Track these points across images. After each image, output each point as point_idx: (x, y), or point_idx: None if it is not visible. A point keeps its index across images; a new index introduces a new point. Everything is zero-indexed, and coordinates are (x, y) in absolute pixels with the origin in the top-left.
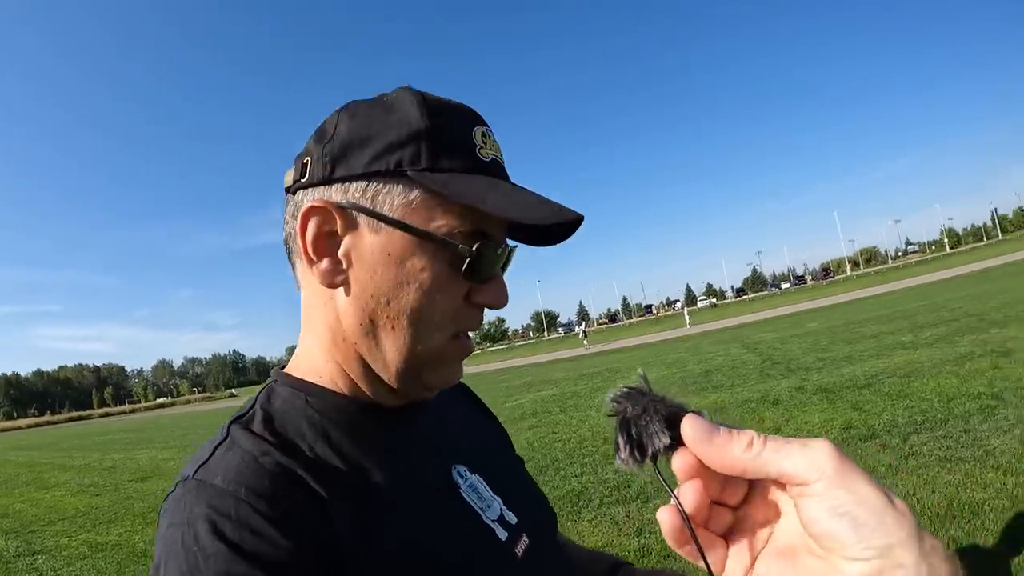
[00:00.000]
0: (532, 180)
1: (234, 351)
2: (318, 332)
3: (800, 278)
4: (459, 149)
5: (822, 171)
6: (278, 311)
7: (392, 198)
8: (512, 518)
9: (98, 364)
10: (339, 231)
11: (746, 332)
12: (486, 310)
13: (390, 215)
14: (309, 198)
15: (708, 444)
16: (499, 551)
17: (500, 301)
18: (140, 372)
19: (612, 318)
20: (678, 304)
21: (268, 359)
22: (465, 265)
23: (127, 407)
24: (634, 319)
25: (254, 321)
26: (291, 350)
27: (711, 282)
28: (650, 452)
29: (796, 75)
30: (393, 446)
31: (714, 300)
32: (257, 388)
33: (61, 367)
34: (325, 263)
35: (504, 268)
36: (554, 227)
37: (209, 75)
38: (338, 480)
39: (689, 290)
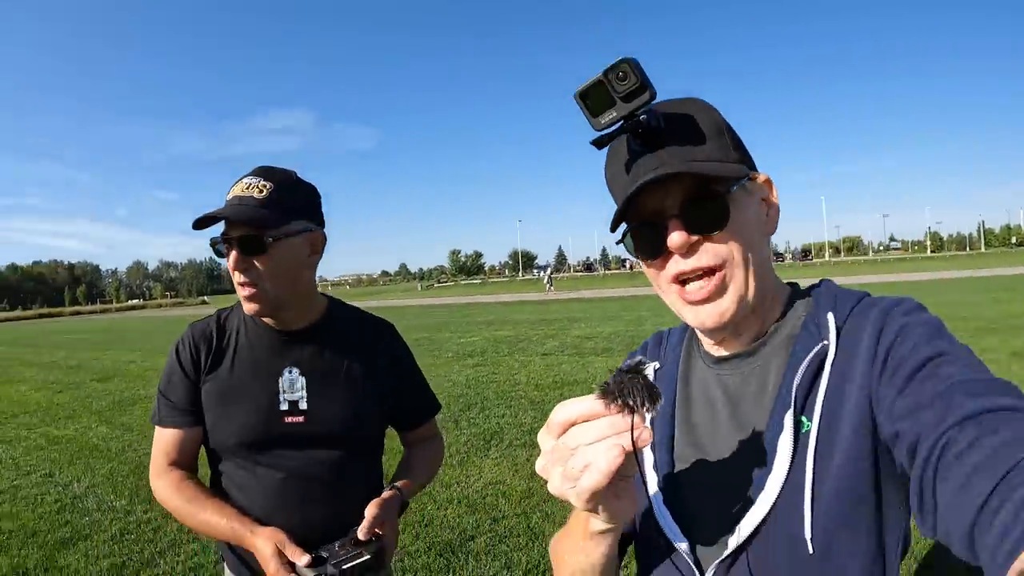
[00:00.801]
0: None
1: (210, 259)
2: None
3: (779, 255)
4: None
5: (818, 152)
6: None
7: None
8: (304, 405)
9: (73, 262)
10: None
11: None
12: (233, 276)
13: None
14: None
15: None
16: (273, 414)
17: (233, 275)
18: (114, 272)
19: (588, 267)
20: None
21: None
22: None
23: (98, 306)
24: (611, 271)
25: None
26: None
27: None
28: (645, 404)
29: (803, 51)
30: (262, 344)
31: None
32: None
33: (35, 262)
34: None
35: (237, 251)
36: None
37: None
38: (224, 348)
39: None
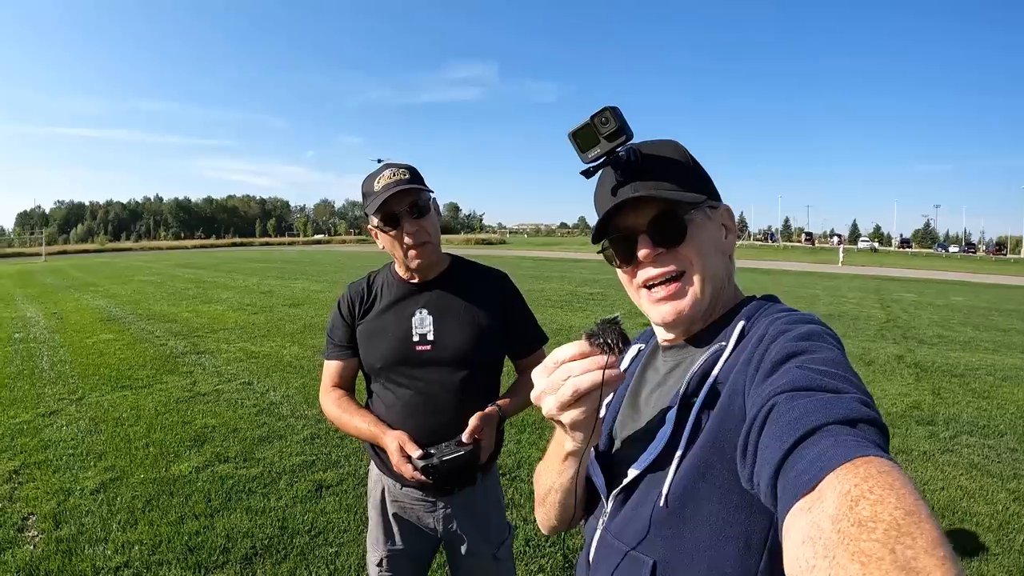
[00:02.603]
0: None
1: None
2: None
3: (971, 246)
4: (368, 191)
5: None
6: (440, 169)
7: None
8: (432, 336)
9: (264, 197)
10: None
11: (890, 286)
12: (407, 239)
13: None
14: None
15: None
16: (407, 343)
17: (407, 238)
18: (303, 209)
19: (768, 236)
20: (836, 239)
21: None
22: (379, 230)
23: (286, 239)
24: (792, 243)
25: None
26: (449, 206)
27: (880, 224)
28: (619, 345)
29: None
30: (400, 294)
31: (876, 244)
32: None
33: (229, 196)
34: None
35: (407, 217)
36: (401, 193)
37: None
38: (373, 300)
39: (855, 227)
